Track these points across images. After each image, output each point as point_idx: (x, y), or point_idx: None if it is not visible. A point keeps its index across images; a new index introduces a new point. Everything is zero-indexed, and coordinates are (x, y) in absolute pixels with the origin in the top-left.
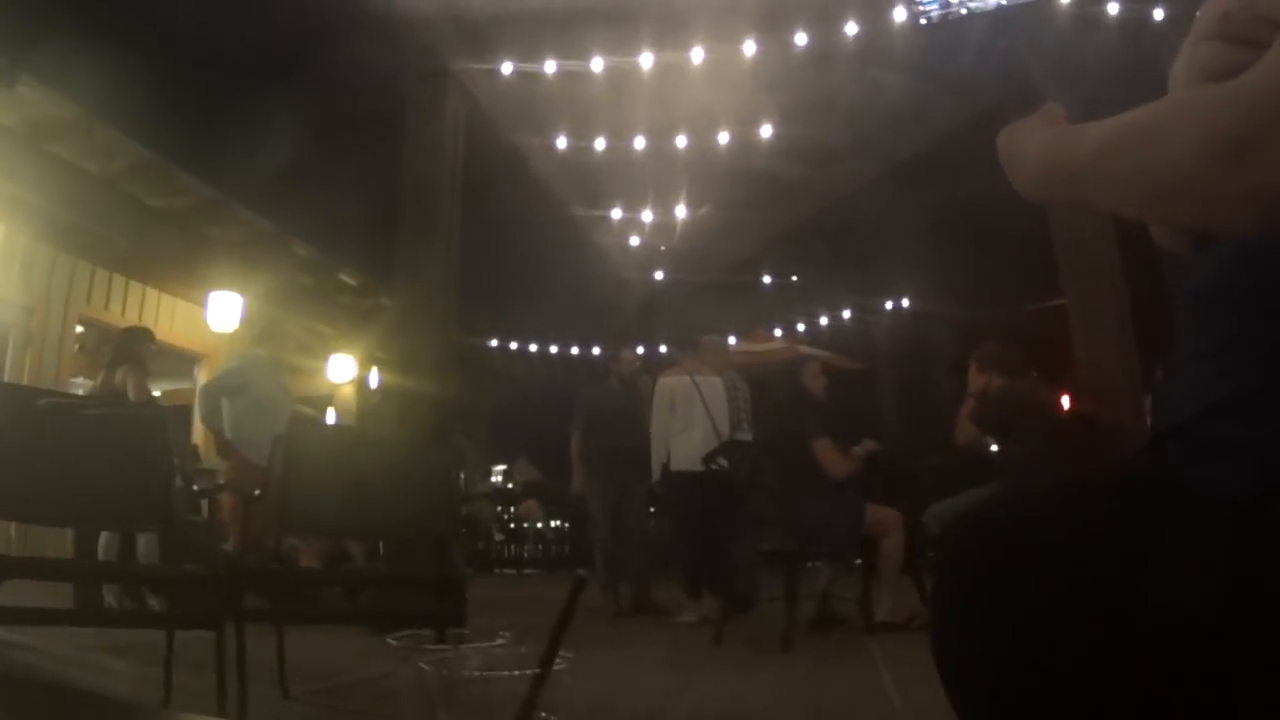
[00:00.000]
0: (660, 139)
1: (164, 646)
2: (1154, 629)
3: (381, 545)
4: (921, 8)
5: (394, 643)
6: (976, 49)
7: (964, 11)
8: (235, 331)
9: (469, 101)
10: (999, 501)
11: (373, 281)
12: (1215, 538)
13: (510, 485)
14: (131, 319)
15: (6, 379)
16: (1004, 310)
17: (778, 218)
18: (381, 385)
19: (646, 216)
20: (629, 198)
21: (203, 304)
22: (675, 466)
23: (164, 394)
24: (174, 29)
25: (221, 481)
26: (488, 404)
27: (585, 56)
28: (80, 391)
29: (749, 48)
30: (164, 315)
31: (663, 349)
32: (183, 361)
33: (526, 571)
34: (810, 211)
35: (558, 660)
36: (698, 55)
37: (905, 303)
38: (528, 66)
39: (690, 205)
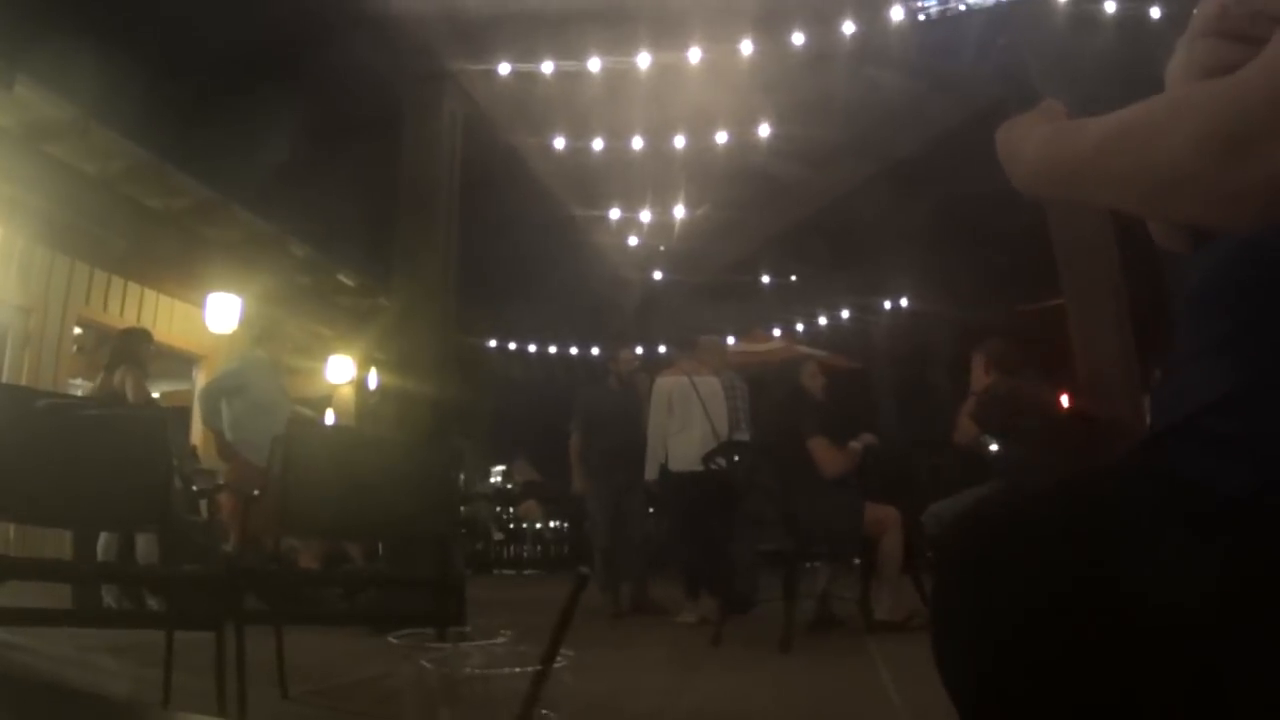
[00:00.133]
0: (658, 139)
1: (163, 647)
2: (1153, 627)
3: (380, 546)
4: (920, 4)
5: (395, 641)
6: (974, 46)
7: (962, 8)
8: (234, 333)
9: (467, 102)
10: (998, 500)
11: (371, 282)
12: (1212, 536)
13: (509, 485)
14: (130, 320)
15: (5, 380)
16: (1002, 309)
17: (776, 217)
18: (380, 386)
19: (645, 217)
20: (627, 198)
21: (201, 305)
22: (673, 467)
23: (162, 395)
24: (171, 30)
25: (221, 482)
26: (486, 404)
27: (583, 57)
28: (79, 393)
29: (746, 47)
30: (162, 316)
31: (661, 349)
32: (181, 363)
33: (525, 572)
34: (808, 211)
35: (558, 658)
36: (695, 55)
37: (904, 302)
38: (525, 67)
39: (688, 205)
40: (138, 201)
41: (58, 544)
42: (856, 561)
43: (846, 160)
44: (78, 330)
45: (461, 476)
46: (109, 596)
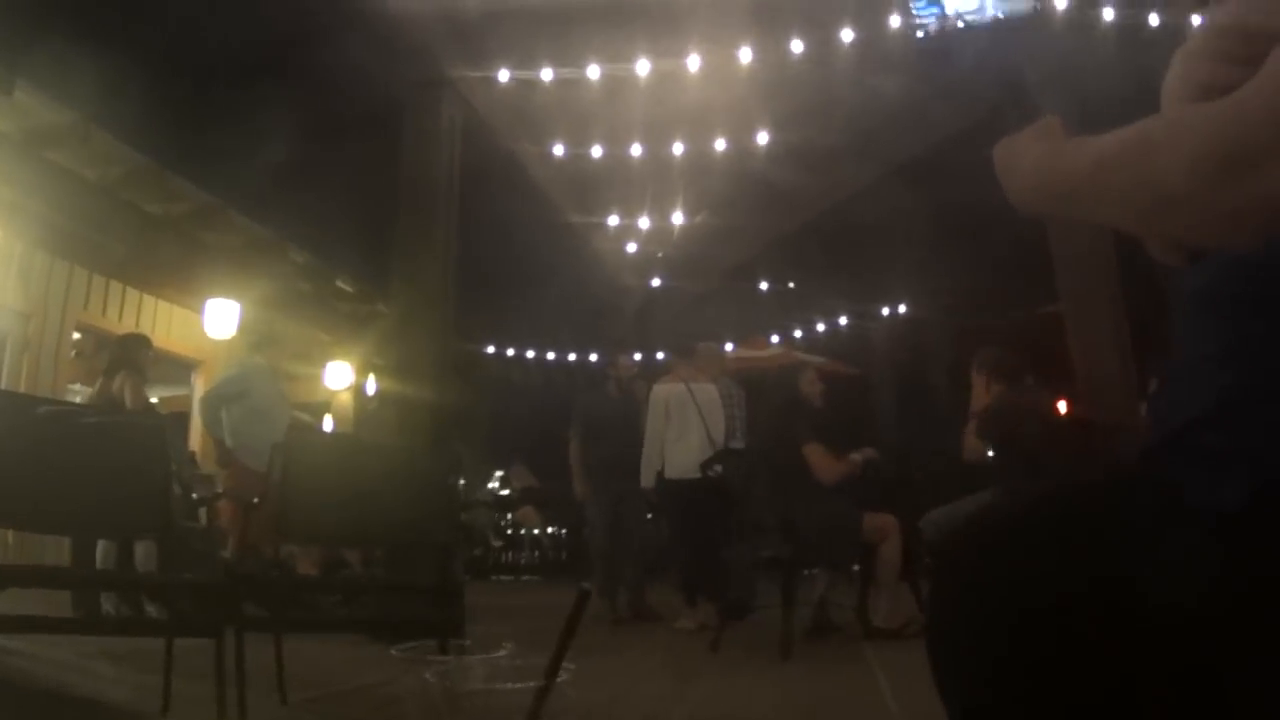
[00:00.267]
0: (657, 145)
1: (162, 654)
2: (1146, 635)
3: (380, 553)
4: (919, 20)
5: (397, 654)
6: (973, 63)
7: (960, 25)
8: (232, 339)
9: (466, 108)
10: (996, 509)
11: (370, 288)
12: (1205, 546)
13: (507, 491)
14: (129, 326)
15: (3, 386)
16: (1000, 316)
17: (774, 223)
18: (378, 392)
19: (643, 223)
20: (626, 204)
21: (200, 311)
22: (670, 474)
23: (161, 401)
24: (171, 36)
25: (219, 489)
26: (484, 410)
27: (582, 63)
28: (78, 398)
29: (745, 54)
30: (161, 322)
31: (660, 356)
32: (180, 368)
33: (523, 578)
34: (806, 217)
35: (560, 672)
36: (694, 62)
37: (902, 309)
38: (524, 73)
39: (687, 211)
40: (137, 207)
41: (56, 551)
42: (855, 568)
43: (844, 166)
44: (77, 335)
45: (461, 482)
46: (108, 604)
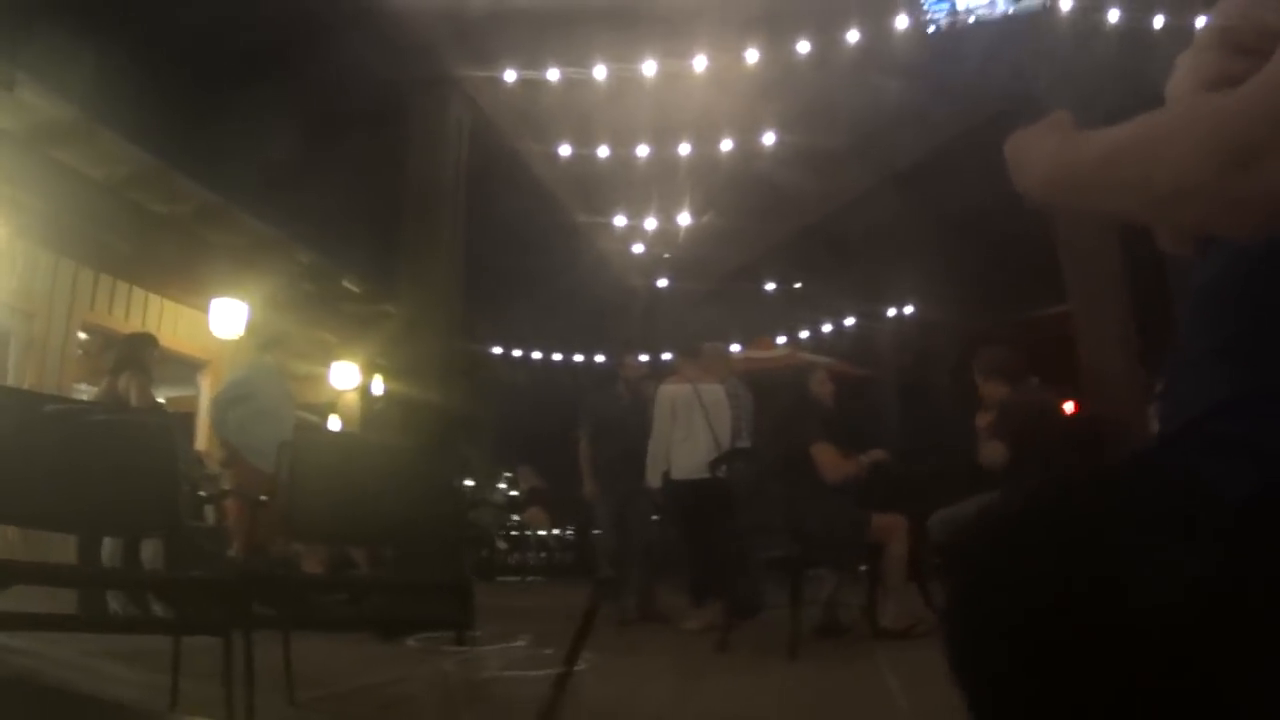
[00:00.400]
0: (664, 146)
1: (168, 654)
2: (1163, 628)
3: (389, 552)
4: (929, 16)
5: (414, 644)
6: (983, 57)
7: (971, 20)
8: (238, 339)
9: (472, 109)
10: (1006, 504)
11: (377, 288)
12: (1220, 537)
13: (514, 492)
14: (135, 325)
15: (9, 385)
16: (1007, 317)
17: (780, 224)
18: (385, 392)
19: (650, 224)
20: (632, 205)
21: (205, 310)
22: (676, 475)
23: (167, 401)
24: (177, 35)
25: (226, 487)
26: (491, 411)
27: (588, 64)
28: (83, 398)
29: (752, 55)
30: (167, 321)
31: (666, 356)
32: (186, 368)
33: (529, 579)
34: (813, 218)
35: (579, 662)
36: (700, 63)
37: (908, 309)
38: (530, 74)
39: (693, 212)
40: (142, 206)
41: (62, 548)
42: (862, 569)
43: (851, 167)
44: (82, 335)
45: (468, 483)
46: (114, 603)
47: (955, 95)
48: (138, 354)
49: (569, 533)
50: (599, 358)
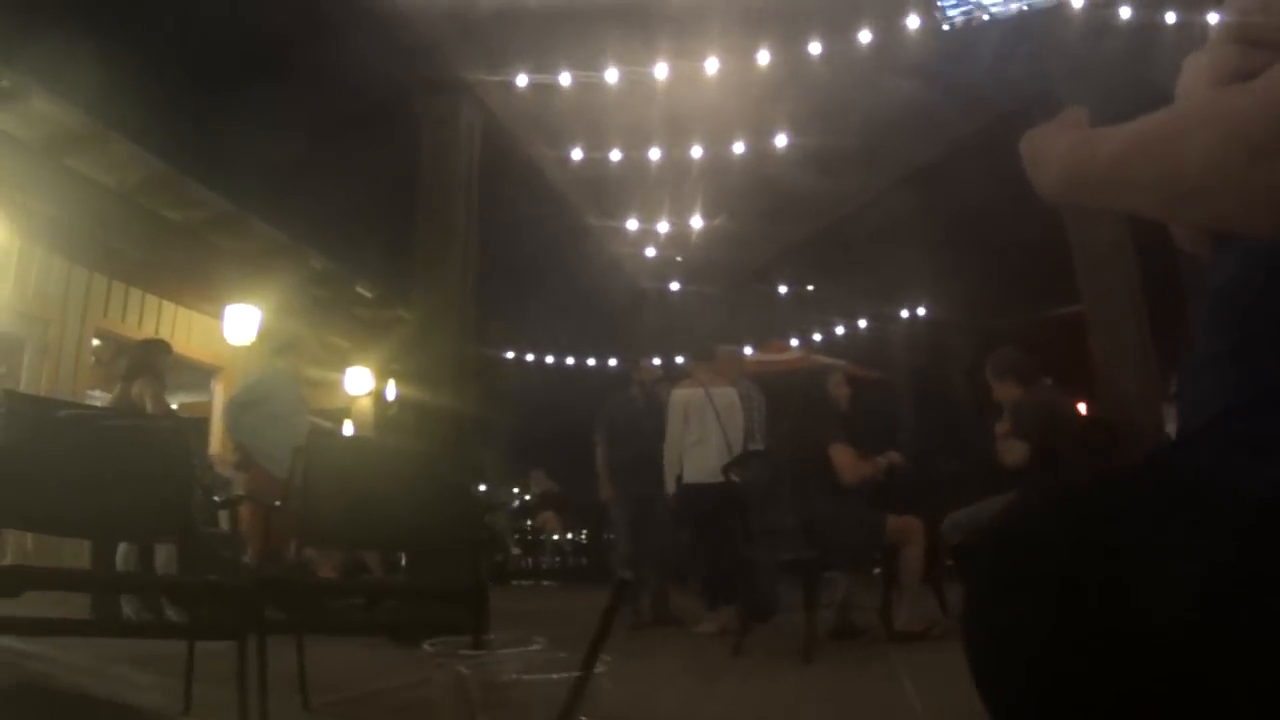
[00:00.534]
0: (676, 149)
1: (183, 659)
2: (1183, 628)
3: (403, 557)
4: (944, 13)
5: (429, 648)
6: (998, 54)
7: (986, 17)
8: (251, 345)
9: (483, 112)
10: (1026, 503)
11: (390, 294)
12: (1241, 536)
13: (527, 497)
14: (148, 332)
15: (23, 391)
16: (1020, 317)
17: (793, 226)
18: (399, 397)
19: (662, 227)
20: (644, 208)
21: (219, 317)
22: (689, 478)
23: (181, 407)
24: (187, 41)
25: (240, 492)
26: (505, 416)
27: (599, 67)
28: (97, 405)
29: (764, 57)
30: (180, 328)
31: (679, 360)
32: (199, 374)
33: (543, 583)
34: (826, 220)
35: (598, 664)
36: (712, 65)
37: (921, 311)
38: (542, 78)
39: (705, 215)
40: (156, 213)
41: (75, 554)
42: (876, 571)
43: (864, 169)
44: (96, 342)
45: (483, 488)
46: (128, 608)
47: (969, 95)
48: (151, 360)
49: (583, 536)
50: (612, 361)
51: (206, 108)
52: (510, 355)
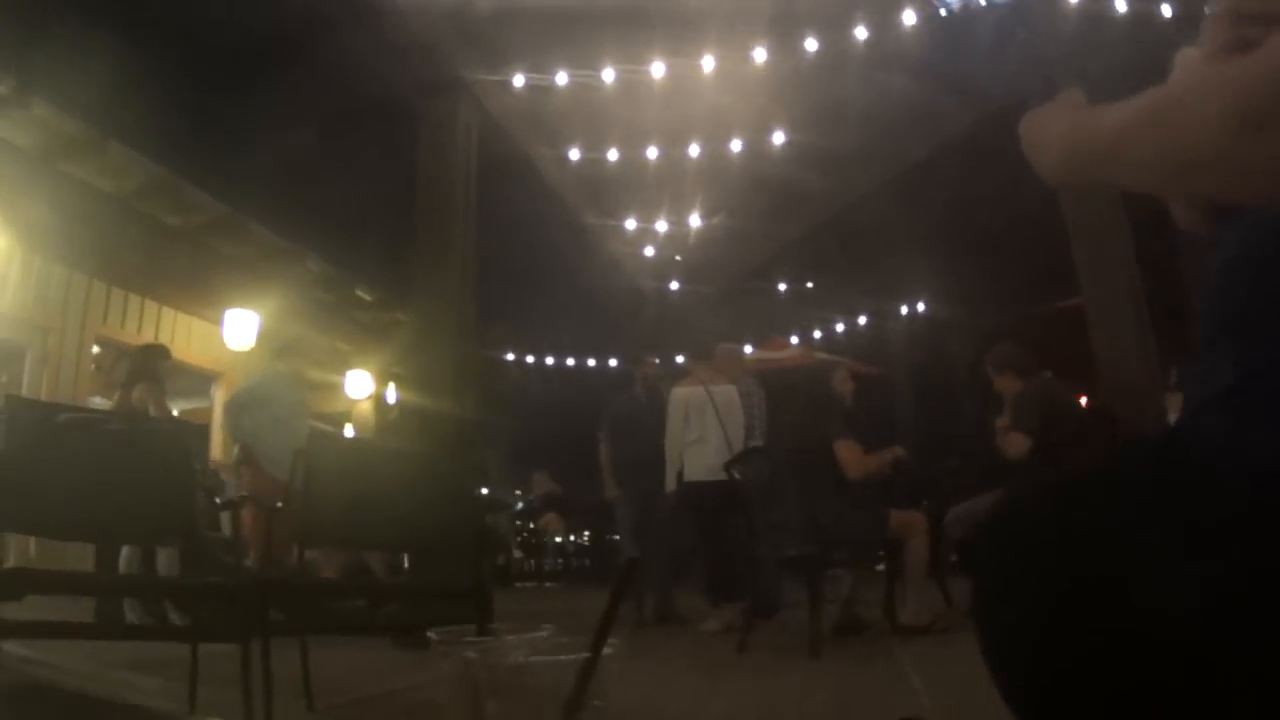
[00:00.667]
0: (674, 147)
1: (186, 663)
2: (1195, 603)
3: (405, 558)
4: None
5: (434, 636)
6: (995, 40)
7: (983, 2)
8: (251, 349)
9: (481, 113)
10: (1027, 491)
11: (389, 297)
12: (1253, 505)
13: (530, 497)
14: (148, 338)
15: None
16: (1020, 311)
17: (791, 224)
18: (399, 401)
19: (660, 226)
20: (643, 207)
21: (218, 322)
22: (690, 476)
23: (181, 413)
24: (186, 47)
25: (243, 493)
26: (505, 417)
27: (596, 66)
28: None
29: (760, 54)
30: (180, 333)
31: (679, 359)
32: (200, 380)
33: (547, 585)
34: (824, 217)
35: (606, 646)
36: (709, 63)
37: (920, 307)
38: (539, 77)
39: (704, 213)
40: (154, 218)
41: (78, 559)
42: (879, 568)
43: (861, 165)
44: (96, 349)
45: (484, 491)
46: (131, 613)
47: (966, 88)
48: (150, 366)
49: (585, 538)
50: (612, 362)
51: (204, 112)
52: (510, 356)
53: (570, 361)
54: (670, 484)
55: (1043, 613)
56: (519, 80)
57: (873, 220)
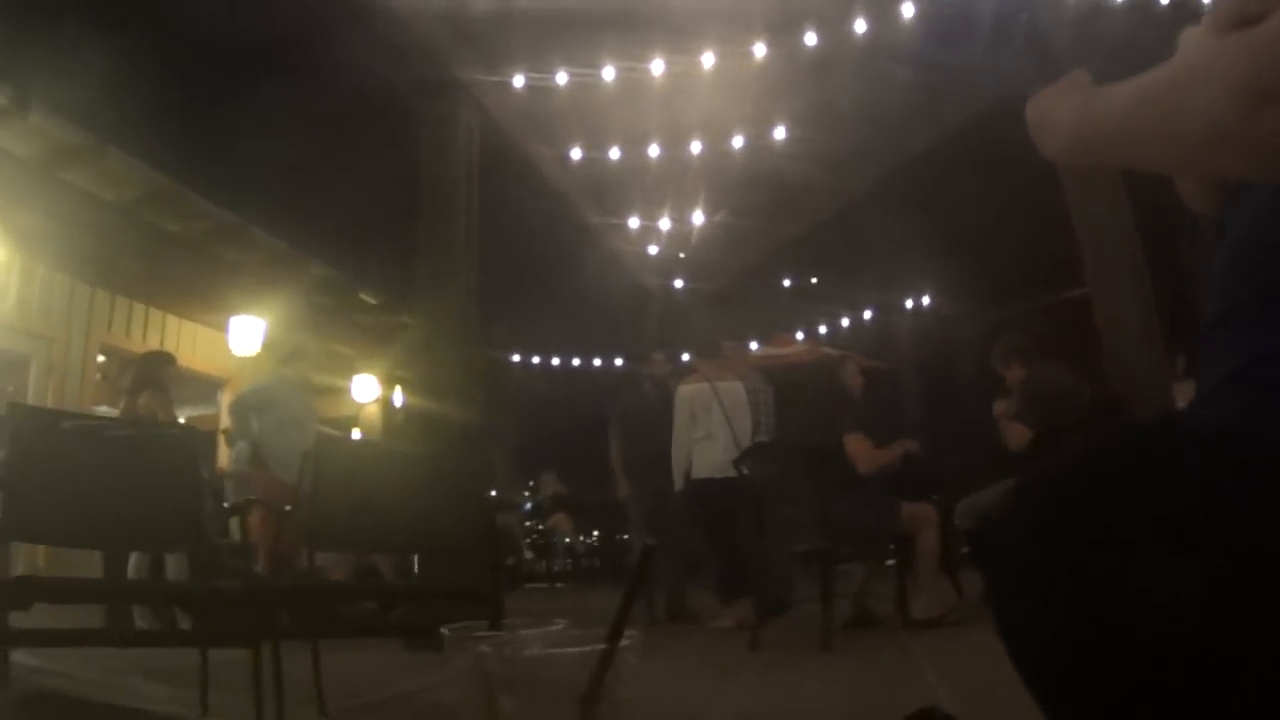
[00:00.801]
0: (675, 145)
1: (195, 671)
2: (1215, 586)
3: (416, 560)
4: None
5: (447, 632)
6: (996, 25)
7: None
8: (257, 355)
9: (481, 114)
10: (1044, 475)
11: (394, 300)
12: (1273, 488)
13: (539, 498)
14: (153, 346)
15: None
16: (1025, 302)
17: (794, 220)
18: (406, 404)
19: (664, 224)
20: (646, 206)
21: (223, 328)
22: (697, 474)
23: (188, 420)
24: (184, 53)
25: (252, 497)
26: (511, 418)
27: (596, 65)
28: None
29: (759, 49)
30: (185, 341)
31: (685, 357)
32: (206, 387)
33: (557, 585)
34: (827, 213)
35: (623, 637)
36: (709, 59)
37: (925, 300)
38: (539, 77)
39: (707, 211)
40: (157, 226)
41: (88, 567)
42: (890, 563)
43: (863, 159)
44: (101, 358)
45: (493, 493)
46: (141, 620)
47: (966, 80)
48: (155, 373)
49: (594, 538)
50: (618, 361)
51: (203, 118)
52: (515, 357)
53: (575, 361)
54: (678, 482)
55: (1055, 602)
56: (519, 80)
57: (876, 214)
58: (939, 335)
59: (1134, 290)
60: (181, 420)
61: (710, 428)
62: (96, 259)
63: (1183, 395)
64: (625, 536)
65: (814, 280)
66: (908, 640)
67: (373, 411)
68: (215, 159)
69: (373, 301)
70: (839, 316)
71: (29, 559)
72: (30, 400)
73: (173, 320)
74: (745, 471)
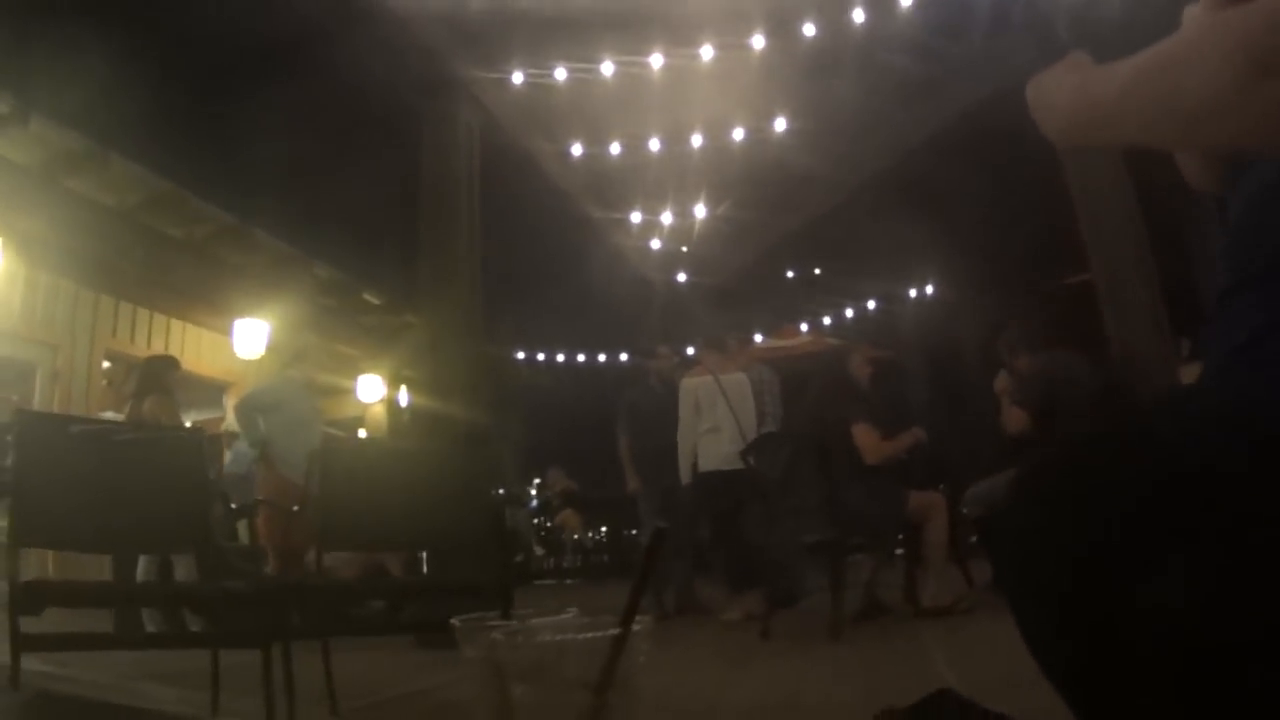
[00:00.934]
0: (676, 139)
1: (205, 673)
2: (1226, 563)
3: (425, 557)
4: None
5: (458, 623)
6: (995, 11)
7: None
8: (261, 358)
9: (481, 112)
10: (1049, 460)
11: (397, 300)
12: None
13: (547, 494)
14: (157, 350)
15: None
16: (1030, 288)
17: (796, 212)
18: (411, 404)
19: (666, 218)
20: (648, 200)
21: (227, 332)
22: (704, 466)
23: (194, 424)
24: (184, 57)
25: (259, 497)
26: (516, 414)
27: (595, 61)
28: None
29: (758, 42)
30: (190, 345)
31: (689, 350)
32: (211, 391)
33: (567, 581)
34: (829, 203)
35: (635, 622)
36: (708, 52)
37: (930, 290)
38: (539, 74)
39: (708, 205)
40: (159, 231)
41: (97, 571)
42: (898, 552)
43: (865, 150)
44: (106, 364)
45: (500, 491)
46: (151, 623)
47: (966, 66)
48: (159, 377)
49: (602, 534)
50: (623, 356)
51: (204, 122)
52: (520, 354)
53: (580, 357)
54: (685, 476)
55: (1056, 594)
56: (518, 77)
57: (878, 204)
58: (943, 323)
59: (1137, 271)
60: (188, 424)
61: (716, 420)
62: (100, 265)
63: (1188, 378)
64: (634, 532)
65: (817, 271)
66: (918, 628)
67: (378, 412)
68: (217, 163)
69: (376, 302)
70: (843, 307)
71: (39, 564)
72: (36, 408)
73: (176, 325)
74: (752, 463)
